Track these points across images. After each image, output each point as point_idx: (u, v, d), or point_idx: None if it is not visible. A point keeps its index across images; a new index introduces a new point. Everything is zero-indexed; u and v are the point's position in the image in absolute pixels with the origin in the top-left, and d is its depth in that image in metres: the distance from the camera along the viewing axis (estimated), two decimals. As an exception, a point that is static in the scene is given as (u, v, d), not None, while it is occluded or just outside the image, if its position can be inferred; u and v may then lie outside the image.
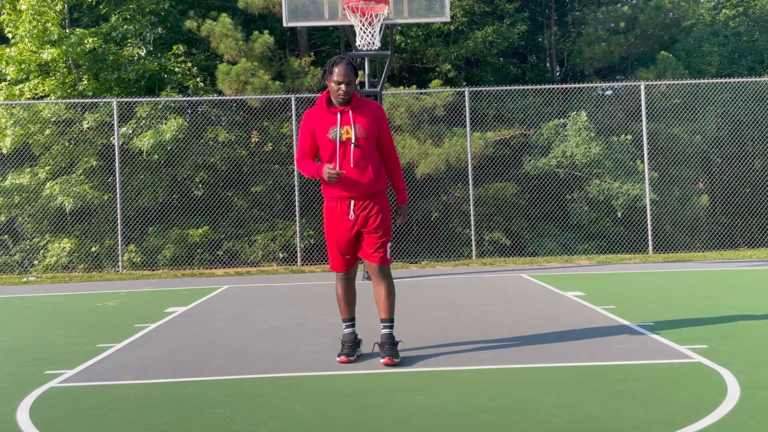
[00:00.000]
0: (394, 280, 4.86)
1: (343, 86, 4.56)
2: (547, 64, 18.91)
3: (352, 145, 4.58)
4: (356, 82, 4.65)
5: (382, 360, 4.62)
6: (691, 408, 3.58)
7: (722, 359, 4.55)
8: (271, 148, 13.89)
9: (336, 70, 4.55)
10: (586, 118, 13.26)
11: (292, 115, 12.96)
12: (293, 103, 12.89)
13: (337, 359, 4.76)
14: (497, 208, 13.47)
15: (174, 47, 14.51)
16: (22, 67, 13.69)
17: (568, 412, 3.57)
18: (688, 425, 3.32)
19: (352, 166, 4.59)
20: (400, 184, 4.89)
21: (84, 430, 3.53)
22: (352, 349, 4.82)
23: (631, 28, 16.92)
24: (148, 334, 6.11)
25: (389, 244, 4.76)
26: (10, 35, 13.87)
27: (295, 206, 12.72)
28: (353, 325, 4.92)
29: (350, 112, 4.63)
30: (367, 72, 9.63)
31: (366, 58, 9.55)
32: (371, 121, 4.65)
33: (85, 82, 14.03)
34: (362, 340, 4.98)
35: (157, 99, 13.11)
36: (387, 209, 4.77)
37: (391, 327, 4.76)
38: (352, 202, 4.65)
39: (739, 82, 13.79)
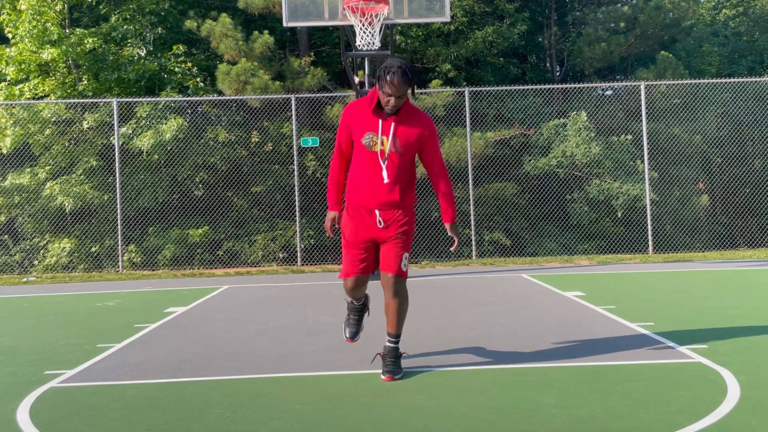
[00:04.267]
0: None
1: (392, 99, 4.16)
2: (547, 64, 18.90)
3: (383, 162, 4.28)
4: (409, 92, 4.26)
5: (383, 376, 4.39)
6: (691, 408, 3.58)
7: (722, 359, 4.54)
8: (271, 148, 13.89)
9: (389, 79, 4.11)
10: (586, 118, 13.25)
11: (292, 115, 12.96)
12: (293, 103, 12.89)
13: (345, 338, 4.73)
14: (497, 208, 13.47)
15: (174, 47, 14.50)
16: (22, 67, 13.69)
17: (568, 412, 3.57)
18: (688, 425, 3.32)
19: (381, 178, 4.30)
20: (448, 202, 4.52)
21: (84, 430, 3.53)
22: (357, 322, 4.69)
23: (631, 28, 16.91)
24: (148, 334, 6.11)
25: (406, 255, 4.45)
26: (10, 35, 13.87)
27: (295, 206, 12.72)
28: (363, 298, 4.68)
29: (393, 123, 4.26)
30: (367, 72, 9.63)
31: (366, 58, 9.55)
32: (413, 136, 4.29)
33: (85, 82, 14.02)
34: (369, 311, 4.80)
35: (157, 99, 13.11)
36: (411, 220, 4.51)
37: (397, 342, 4.54)
38: (377, 211, 4.38)
39: (739, 82, 13.79)
